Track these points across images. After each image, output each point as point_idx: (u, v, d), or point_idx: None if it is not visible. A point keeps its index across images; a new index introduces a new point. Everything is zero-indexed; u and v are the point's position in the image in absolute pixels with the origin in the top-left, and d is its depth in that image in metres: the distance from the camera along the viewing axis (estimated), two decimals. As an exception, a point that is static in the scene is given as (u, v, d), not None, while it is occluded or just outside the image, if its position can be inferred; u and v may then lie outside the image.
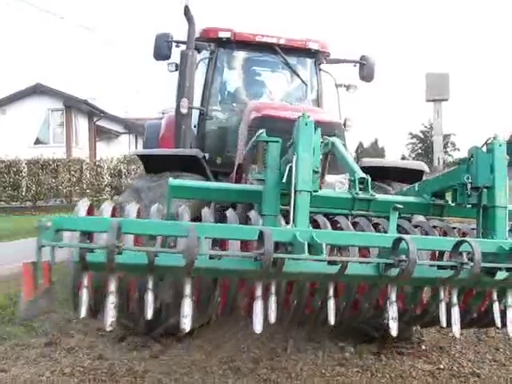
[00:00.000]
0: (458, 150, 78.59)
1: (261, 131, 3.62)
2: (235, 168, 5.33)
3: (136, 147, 28.42)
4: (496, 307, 3.03)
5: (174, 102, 6.49)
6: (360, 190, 3.42)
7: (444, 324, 2.95)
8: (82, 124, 27.66)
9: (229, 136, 6.38)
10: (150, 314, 2.75)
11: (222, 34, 6.64)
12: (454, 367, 4.22)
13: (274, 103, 6.18)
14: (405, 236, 2.73)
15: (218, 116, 6.83)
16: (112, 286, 2.67)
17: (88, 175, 21.08)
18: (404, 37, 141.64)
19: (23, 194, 19.42)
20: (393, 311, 2.87)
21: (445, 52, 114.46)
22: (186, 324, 2.67)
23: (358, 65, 7.19)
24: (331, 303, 2.83)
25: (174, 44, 6.65)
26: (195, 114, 6.60)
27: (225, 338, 4.97)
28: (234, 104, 6.80)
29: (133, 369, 4.15)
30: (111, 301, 2.62)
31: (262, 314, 2.69)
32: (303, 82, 7.10)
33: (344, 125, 5.81)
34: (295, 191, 3.05)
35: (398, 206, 3.11)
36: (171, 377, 4.04)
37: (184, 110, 6.12)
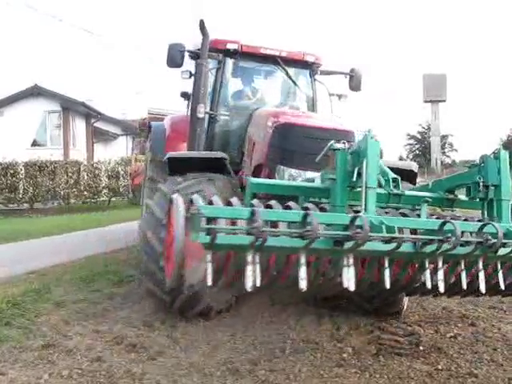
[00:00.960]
0: (456, 150, 78.53)
1: (332, 142, 4.19)
2: (251, 167, 6.19)
3: (133, 149, 28.39)
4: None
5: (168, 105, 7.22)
6: (394, 187, 4.09)
7: (483, 291, 3.66)
8: (79, 126, 27.68)
9: (232, 138, 7.19)
10: (252, 286, 3.16)
11: (230, 46, 7.31)
12: (452, 368, 4.22)
13: (289, 111, 6.92)
14: (450, 220, 3.52)
15: (226, 119, 7.43)
16: (251, 258, 3.17)
17: (85, 177, 21.08)
18: (401, 38, 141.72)
19: (20, 196, 19.40)
20: (441, 275, 3.59)
21: (442, 53, 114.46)
22: (303, 284, 3.26)
23: (348, 76, 8.03)
24: (387, 272, 3.49)
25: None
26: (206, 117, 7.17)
27: (223, 340, 4.97)
28: (240, 109, 7.41)
29: (131, 371, 4.15)
30: (250, 269, 3.15)
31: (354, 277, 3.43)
32: (301, 90, 7.93)
33: None
34: (366, 187, 3.74)
35: (427, 199, 4.03)
36: (169, 379, 4.04)
37: (201, 115, 6.82)
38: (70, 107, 26.69)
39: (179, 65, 7.38)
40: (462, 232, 3.50)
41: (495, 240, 3.47)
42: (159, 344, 4.77)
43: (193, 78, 7.35)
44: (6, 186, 19.17)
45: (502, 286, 3.77)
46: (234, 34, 7.64)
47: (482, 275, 3.65)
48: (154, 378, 4.03)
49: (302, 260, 3.29)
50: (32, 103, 26.46)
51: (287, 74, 7.78)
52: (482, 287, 3.64)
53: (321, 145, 4.68)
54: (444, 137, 71.32)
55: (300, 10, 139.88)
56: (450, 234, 3.39)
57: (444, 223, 3.44)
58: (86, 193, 20.68)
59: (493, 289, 3.90)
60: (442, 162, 60.70)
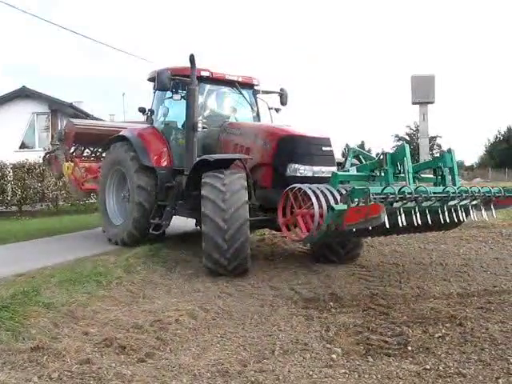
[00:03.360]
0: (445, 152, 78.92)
1: (383, 150, 7.60)
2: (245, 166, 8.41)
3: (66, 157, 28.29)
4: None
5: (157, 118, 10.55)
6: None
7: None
8: (67, 128, 27.49)
9: (208, 145, 9.48)
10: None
11: (203, 73, 9.61)
12: (440, 367, 4.25)
13: (286, 126, 8.97)
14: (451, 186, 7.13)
15: (203, 131, 9.60)
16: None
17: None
18: (390, 39, 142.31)
19: (9, 198, 19.26)
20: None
21: (430, 54, 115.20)
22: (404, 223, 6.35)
23: (279, 94, 10.87)
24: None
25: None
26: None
27: (212, 341, 4.98)
28: (212, 122, 9.81)
29: (120, 373, 4.14)
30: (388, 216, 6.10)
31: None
32: (250, 105, 10.58)
33: None
34: (408, 173, 7.07)
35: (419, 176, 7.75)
36: (159, 380, 4.04)
37: (199, 128, 9.18)
38: (58, 109, 26.56)
39: (168, 89, 9.62)
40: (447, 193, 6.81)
41: (454, 194, 6.81)
42: (149, 346, 4.77)
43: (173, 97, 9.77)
44: (-6, 189, 19.04)
45: (458, 219, 7.16)
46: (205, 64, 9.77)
47: (442, 216, 6.82)
48: (144, 380, 4.02)
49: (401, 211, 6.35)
50: (20, 105, 26.33)
51: (241, 93, 10.38)
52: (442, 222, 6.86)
53: (318, 148, 8.34)
54: (432, 138, 71.72)
55: (299, 10, 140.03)
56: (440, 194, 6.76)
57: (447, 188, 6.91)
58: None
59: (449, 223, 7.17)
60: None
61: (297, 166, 8.15)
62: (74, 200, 18.82)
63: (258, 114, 10.66)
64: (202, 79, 9.59)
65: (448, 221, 6.85)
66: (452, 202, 6.90)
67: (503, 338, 4.85)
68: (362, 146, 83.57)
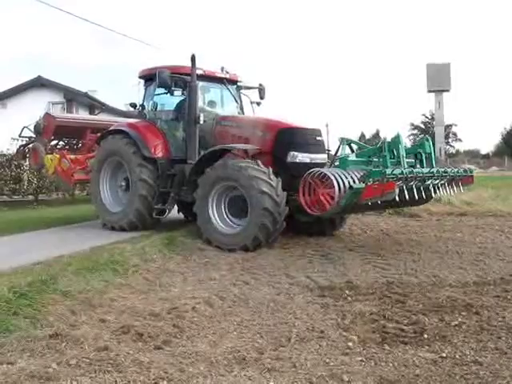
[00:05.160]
0: (460, 140, 78.35)
1: (394, 136, 8.97)
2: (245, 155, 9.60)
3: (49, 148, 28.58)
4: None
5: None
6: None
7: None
8: (83, 117, 27.64)
9: (200, 135, 10.26)
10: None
11: (198, 71, 10.29)
12: (457, 355, 4.24)
13: (283, 119, 10.13)
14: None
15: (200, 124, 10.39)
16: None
17: (90, 168, 20.98)
18: (406, 27, 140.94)
19: (25, 187, 19.35)
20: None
21: (446, 42, 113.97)
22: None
23: (258, 90, 11.86)
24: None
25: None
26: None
27: (229, 329, 5.00)
28: (206, 116, 10.48)
29: (138, 359, 4.17)
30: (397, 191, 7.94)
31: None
32: (235, 100, 11.65)
33: None
34: (402, 157, 8.69)
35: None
36: (176, 367, 4.06)
37: (201, 121, 10.12)
38: (73, 98, 26.71)
39: (169, 86, 10.53)
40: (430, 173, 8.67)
41: (438, 174, 8.74)
42: (166, 333, 4.80)
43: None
44: (10, 178, 19.05)
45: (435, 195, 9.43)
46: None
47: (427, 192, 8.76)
48: (161, 367, 4.05)
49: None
50: (35, 94, 26.47)
51: (228, 89, 11.45)
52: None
53: (312, 138, 9.80)
54: (448, 126, 71.13)
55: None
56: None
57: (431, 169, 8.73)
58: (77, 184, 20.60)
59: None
60: (446, 152, 60.59)
61: (296, 153, 9.41)
62: (63, 191, 19.01)
63: (241, 108, 11.80)
64: (198, 76, 10.35)
65: (424, 197, 8.85)
66: (428, 182, 8.66)
67: (520, 327, 4.83)
68: (377, 134, 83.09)
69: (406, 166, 8.50)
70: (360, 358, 4.25)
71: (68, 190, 18.32)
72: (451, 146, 78.85)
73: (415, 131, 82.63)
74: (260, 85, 11.93)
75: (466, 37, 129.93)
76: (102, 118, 17.48)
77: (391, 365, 4.12)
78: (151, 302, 5.80)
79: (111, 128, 11.71)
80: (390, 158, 8.68)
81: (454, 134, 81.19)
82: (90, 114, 27.89)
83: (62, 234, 10.74)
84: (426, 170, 8.76)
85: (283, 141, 9.48)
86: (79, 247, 8.56)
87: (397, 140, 8.77)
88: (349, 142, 9.76)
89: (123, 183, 11.30)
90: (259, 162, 8.98)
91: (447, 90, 52.60)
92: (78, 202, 18.51)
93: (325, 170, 8.32)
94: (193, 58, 9.97)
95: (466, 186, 9.98)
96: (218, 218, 9.24)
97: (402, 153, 8.68)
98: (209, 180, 9.25)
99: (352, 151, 9.61)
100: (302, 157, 9.44)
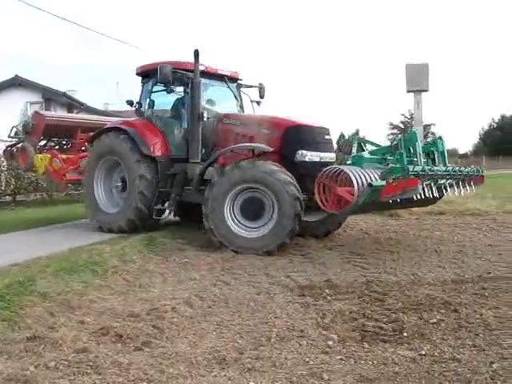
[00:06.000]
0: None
1: (410, 133, 9.05)
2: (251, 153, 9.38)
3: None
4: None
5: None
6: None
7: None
8: (61, 117, 27.39)
9: (202, 133, 9.90)
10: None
11: (200, 67, 9.86)
12: (436, 353, 4.28)
13: (291, 117, 9.96)
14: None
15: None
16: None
17: (69, 169, 20.76)
18: (384, 27, 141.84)
19: (2, 188, 19.12)
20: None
21: (424, 42, 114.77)
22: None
23: (258, 88, 11.63)
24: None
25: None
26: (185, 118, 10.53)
27: (209, 329, 4.99)
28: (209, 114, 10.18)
29: (117, 361, 4.14)
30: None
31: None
32: (236, 98, 11.35)
33: None
34: (419, 155, 8.65)
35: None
36: (156, 368, 4.05)
37: (205, 118, 9.83)
38: (51, 98, 26.45)
39: (170, 82, 10.08)
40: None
41: (454, 173, 8.90)
42: (145, 334, 4.77)
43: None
44: (-13, 179, 18.87)
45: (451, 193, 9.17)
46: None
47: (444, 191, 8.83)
48: (141, 368, 4.03)
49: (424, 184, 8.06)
50: (13, 94, 26.19)
51: (229, 87, 11.15)
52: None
53: (321, 136, 9.62)
54: (427, 126, 71.65)
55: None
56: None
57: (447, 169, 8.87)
58: (69, 185, 20.41)
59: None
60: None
61: (305, 152, 9.18)
62: (54, 191, 18.73)
63: (241, 107, 11.51)
64: (200, 73, 9.94)
65: (437, 196, 8.76)
66: (441, 181, 8.64)
67: (497, 324, 4.89)
68: (356, 133, 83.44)
69: (423, 164, 8.48)
70: (340, 357, 4.27)
71: (59, 191, 17.96)
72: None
73: (394, 130, 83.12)
74: (260, 84, 11.73)
75: (443, 37, 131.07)
76: (93, 117, 17.07)
77: (371, 363, 4.14)
78: (131, 303, 5.76)
79: (106, 126, 11.39)
80: (406, 156, 8.53)
81: (433, 134, 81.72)
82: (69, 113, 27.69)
83: (40, 235, 10.64)
84: (442, 168, 8.76)
85: (292, 139, 9.28)
86: (58, 248, 8.48)
87: (413, 137, 8.68)
88: (359, 140, 9.56)
89: (119, 183, 11.03)
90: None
91: (426, 90, 53.05)
92: (56, 202, 18.36)
93: (343, 167, 8.15)
94: (196, 54, 9.66)
95: (477, 185, 9.88)
96: (232, 221, 8.89)
97: (419, 150, 8.63)
98: (229, 180, 8.82)
99: (362, 149, 9.30)
100: (311, 155, 9.24)
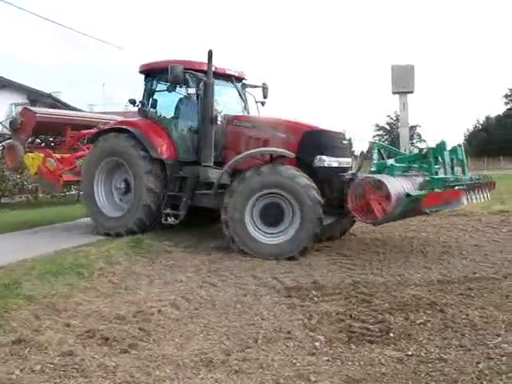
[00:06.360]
0: (424, 141, 79.44)
1: (439, 142, 9.02)
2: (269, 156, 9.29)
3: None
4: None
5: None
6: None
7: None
8: (46, 118, 27.21)
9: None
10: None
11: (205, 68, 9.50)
12: (422, 353, 4.30)
13: (308, 121, 9.88)
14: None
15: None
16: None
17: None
18: (370, 28, 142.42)
19: (-14, 190, 18.92)
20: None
21: (409, 44, 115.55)
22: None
23: (262, 89, 11.39)
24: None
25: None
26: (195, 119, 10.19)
27: (196, 331, 4.98)
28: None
29: (104, 364, 4.13)
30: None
31: None
32: (242, 99, 11.10)
33: None
34: (446, 165, 8.74)
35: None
36: (142, 371, 4.03)
37: (219, 122, 9.62)
38: (37, 99, 26.28)
39: (181, 82, 9.79)
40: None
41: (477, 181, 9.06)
42: (132, 336, 4.75)
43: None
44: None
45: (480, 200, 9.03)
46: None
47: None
48: (127, 371, 4.02)
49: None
50: (-3, 96, 25.96)
51: (235, 87, 10.89)
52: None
53: (339, 141, 9.59)
54: (412, 128, 72.10)
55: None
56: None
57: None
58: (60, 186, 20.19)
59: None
60: (410, 153, 61.48)
61: (324, 157, 9.04)
62: (47, 193, 18.43)
63: (246, 108, 11.17)
64: (205, 74, 9.66)
65: None
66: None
67: (483, 324, 4.93)
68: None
69: (449, 173, 8.62)
70: (326, 358, 4.28)
71: (54, 192, 17.53)
72: (416, 147, 79.89)
73: (380, 132, 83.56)
74: (264, 84, 11.48)
75: (429, 39, 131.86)
76: (85, 114, 16.54)
77: (357, 364, 4.16)
78: (117, 306, 5.73)
79: (110, 126, 10.94)
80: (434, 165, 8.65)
81: (419, 135, 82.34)
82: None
83: (25, 238, 10.54)
84: (467, 176, 8.94)
85: (310, 144, 9.12)
86: (43, 251, 8.41)
87: (442, 146, 8.75)
88: (380, 147, 9.42)
89: (122, 185, 10.63)
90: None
91: (411, 92, 53.26)
92: (41, 204, 18.22)
93: (379, 177, 7.99)
94: (210, 54, 9.35)
95: (491, 192, 9.78)
96: (253, 227, 8.69)
97: (447, 160, 8.69)
98: (250, 186, 8.64)
99: (382, 157, 9.16)
100: (329, 161, 9.10)
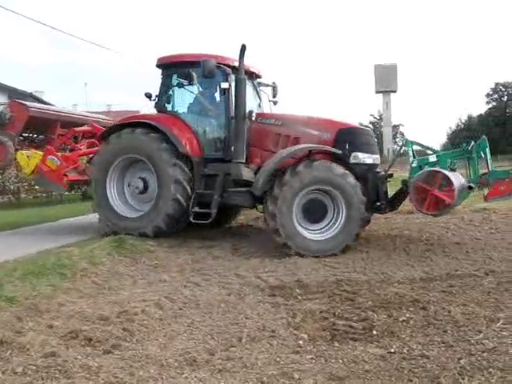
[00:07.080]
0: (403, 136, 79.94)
1: (481, 139, 9.17)
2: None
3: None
4: None
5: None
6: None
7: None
8: (28, 118, 26.97)
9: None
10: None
11: (235, 63, 9.50)
12: (405, 350, 4.33)
13: (334, 118, 10.13)
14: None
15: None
16: None
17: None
18: (353, 27, 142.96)
19: (-32, 192, 18.77)
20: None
21: (392, 44, 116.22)
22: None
23: (272, 87, 11.50)
24: None
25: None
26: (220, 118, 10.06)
27: (179, 330, 4.97)
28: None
29: (87, 365, 4.10)
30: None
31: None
32: (259, 96, 10.97)
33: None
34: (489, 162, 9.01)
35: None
36: (126, 371, 4.02)
37: (253, 118, 9.64)
38: (18, 99, 26.01)
39: (215, 75, 9.51)
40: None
41: None
42: (115, 337, 4.73)
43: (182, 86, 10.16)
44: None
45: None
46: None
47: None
48: (111, 372, 4.00)
49: None
50: (-23, 95, 25.73)
51: (253, 84, 10.70)
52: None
53: (371, 138, 9.92)
54: (395, 127, 72.56)
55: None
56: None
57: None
58: (37, 187, 20.13)
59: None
60: (394, 152, 61.76)
61: (359, 154, 9.21)
62: (51, 193, 18.15)
63: (260, 105, 10.99)
64: (235, 69, 9.61)
65: None
66: None
67: (465, 320, 4.97)
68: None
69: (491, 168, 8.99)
70: (310, 356, 4.29)
71: (57, 192, 17.00)
72: (398, 145, 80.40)
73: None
74: (273, 83, 11.57)
75: (411, 38, 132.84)
76: (78, 111, 16.14)
77: (341, 361, 4.18)
78: (100, 306, 5.70)
79: (125, 121, 10.45)
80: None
81: (402, 134, 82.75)
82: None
83: (7, 239, 10.46)
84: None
85: (345, 141, 9.22)
86: (25, 251, 8.36)
87: (483, 143, 9.06)
88: (413, 144, 9.62)
89: (139, 184, 10.20)
90: None
91: (394, 91, 53.67)
92: (23, 205, 18.09)
93: (441, 170, 8.47)
94: (242, 49, 9.21)
95: None
96: (298, 222, 8.63)
97: (489, 156, 9.03)
98: (302, 180, 8.54)
99: (414, 156, 9.24)
100: (364, 157, 9.26)
